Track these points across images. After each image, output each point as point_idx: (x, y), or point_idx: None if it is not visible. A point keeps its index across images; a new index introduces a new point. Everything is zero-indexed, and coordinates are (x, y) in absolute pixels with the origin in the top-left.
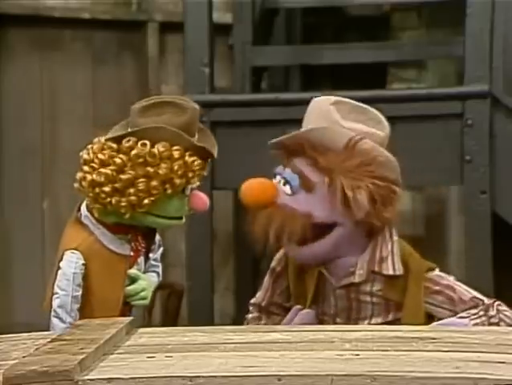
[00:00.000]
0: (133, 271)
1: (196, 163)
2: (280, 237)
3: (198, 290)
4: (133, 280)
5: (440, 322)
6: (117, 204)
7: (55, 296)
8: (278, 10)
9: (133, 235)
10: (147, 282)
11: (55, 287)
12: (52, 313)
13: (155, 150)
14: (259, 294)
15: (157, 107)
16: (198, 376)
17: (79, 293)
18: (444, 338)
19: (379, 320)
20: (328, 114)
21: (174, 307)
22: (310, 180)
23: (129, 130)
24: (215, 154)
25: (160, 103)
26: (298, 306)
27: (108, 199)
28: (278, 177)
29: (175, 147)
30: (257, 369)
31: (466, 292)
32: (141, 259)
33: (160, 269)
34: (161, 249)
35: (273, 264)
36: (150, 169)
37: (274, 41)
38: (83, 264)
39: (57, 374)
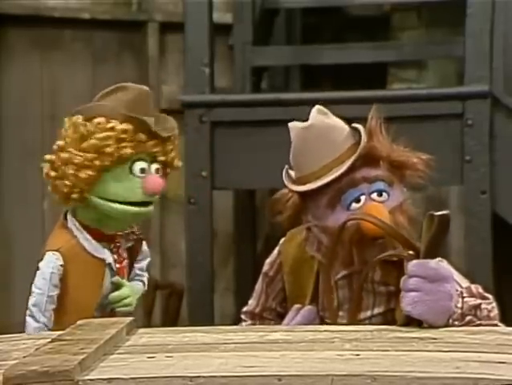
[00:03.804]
0: (117, 278)
1: (128, 130)
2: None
3: (198, 290)
4: (117, 287)
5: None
6: (62, 186)
7: (32, 295)
8: (279, 10)
9: (115, 246)
10: (131, 290)
11: (32, 286)
12: (27, 311)
13: (88, 123)
14: (251, 302)
15: (111, 92)
16: (198, 376)
17: (55, 293)
18: (445, 338)
19: (382, 309)
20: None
21: (174, 307)
22: (388, 176)
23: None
24: (161, 132)
25: (115, 88)
26: (298, 305)
27: (56, 182)
28: (363, 198)
29: (110, 120)
30: (257, 369)
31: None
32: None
33: (145, 279)
34: (148, 259)
35: (265, 268)
36: (85, 143)
37: (274, 41)
38: (61, 265)
39: (57, 375)
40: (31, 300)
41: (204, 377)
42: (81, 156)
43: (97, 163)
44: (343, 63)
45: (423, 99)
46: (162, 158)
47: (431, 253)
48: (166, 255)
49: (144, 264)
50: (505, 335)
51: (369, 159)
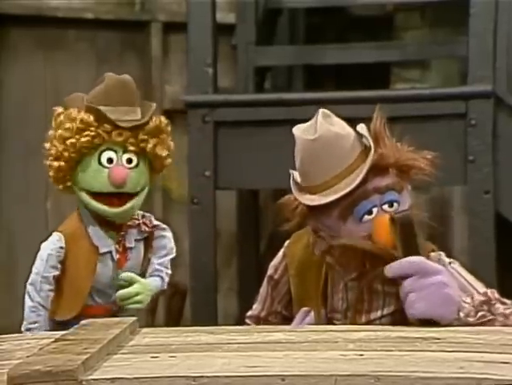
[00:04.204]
0: (125, 275)
1: (87, 121)
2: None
3: (201, 290)
4: (128, 284)
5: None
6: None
7: (31, 274)
8: (282, 10)
9: (120, 236)
10: (142, 286)
11: (33, 266)
12: (25, 290)
13: (61, 115)
14: (256, 306)
15: (98, 83)
16: (202, 376)
17: (51, 274)
18: (448, 338)
19: (392, 309)
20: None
21: (178, 307)
22: (398, 184)
23: None
24: (121, 123)
25: (101, 78)
26: (306, 308)
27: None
28: (375, 210)
29: (80, 111)
30: (260, 369)
31: (460, 277)
32: (131, 263)
33: (164, 274)
34: (172, 256)
35: (270, 272)
36: (56, 133)
37: (277, 41)
38: (61, 247)
39: (61, 374)
40: (29, 279)
41: (207, 377)
42: (55, 146)
43: (66, 154)
44: (346, 63)
45: (426, 99)
46: (132, 148)
47: (409, 255)
48: None
49: (165, 260)
50: (509, 335)
51: (378, 168)
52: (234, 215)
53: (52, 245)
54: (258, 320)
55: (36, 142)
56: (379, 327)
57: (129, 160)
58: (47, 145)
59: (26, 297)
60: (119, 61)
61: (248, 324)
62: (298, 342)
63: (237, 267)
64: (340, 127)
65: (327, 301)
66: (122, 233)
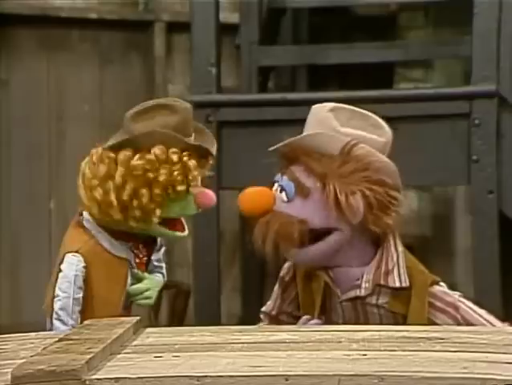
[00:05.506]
0: (137, 271)
1: (194, 165)
2: (278, 244)
3: (205, 291)
4: (138, 280)
5: None
6: (126, 218)
7: (57, 298)
8: (285, 10)
9: (134, 243)
10: (152, 282)
11: (57, 290)
12: (54, 315)
13: (152, 156)
14: (269, 303)
15: (149, 112)
16: (205, 376)
17: (80, 295)
18: (452, 338)
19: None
20: (326, 120)
21: (181, 307)
22: (304, 186)
23: (125, 137)
24: (213, 152)
25: (152, 106)
26: (307, 316)
27: (117, 215)
28: (276, 185)
29: (171, 150)
30: (264, 369)
31: (472, 312)
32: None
33: (164, 270)
34: (163, 249)
35: (282, 273)
36: (150, 175)
37: (280, 41)
38: (83, 266)
39: (64, 374)
40: (57, 304)
41: (211, 377)
42: (148, 190)
43: (165, 195)
44: (350, 63)
45: (430, 99)
46: (208, 173)
47: None
48: (173, 255)
49: (160, 254)
50: None
51: (310, 164)
52: (238, 215)
53: (75, 266)
54: (270, 318)
55: (40, 142)
56: (383, 327)
57: (202, 181)
58: (128, 188)
59: (58, 322)
60: (122, 61)
61: (261, 319)
62: (301, 341)
63: (240, 267)
64: (355, 127)
65: (327, 313)
66: (137, 240)
